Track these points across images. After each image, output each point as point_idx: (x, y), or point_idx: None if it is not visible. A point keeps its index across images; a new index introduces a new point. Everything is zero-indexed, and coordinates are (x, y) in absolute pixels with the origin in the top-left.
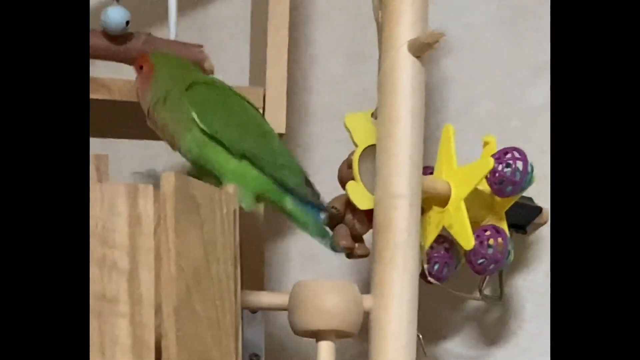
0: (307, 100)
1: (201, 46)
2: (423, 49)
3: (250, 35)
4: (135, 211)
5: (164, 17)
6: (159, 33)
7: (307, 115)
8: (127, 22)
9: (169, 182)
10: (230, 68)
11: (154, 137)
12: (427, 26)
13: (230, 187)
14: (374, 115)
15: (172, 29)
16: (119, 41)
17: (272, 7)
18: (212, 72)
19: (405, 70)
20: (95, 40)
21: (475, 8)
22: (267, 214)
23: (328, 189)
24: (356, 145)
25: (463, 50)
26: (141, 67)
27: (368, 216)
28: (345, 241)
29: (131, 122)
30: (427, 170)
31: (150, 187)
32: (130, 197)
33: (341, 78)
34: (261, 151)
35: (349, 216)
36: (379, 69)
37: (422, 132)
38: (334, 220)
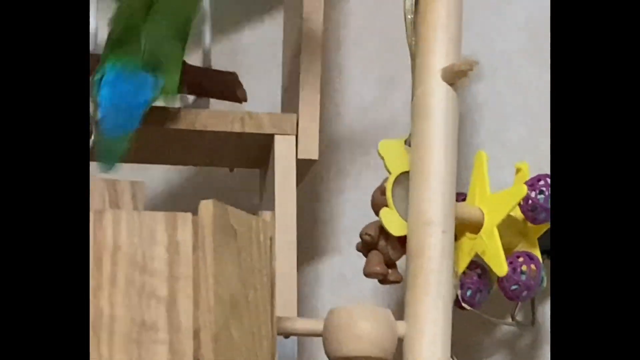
0: (338, 126)
1: (234, 73)
2: (457, 77)
3: (282, 62)
4: (174, 239)
5: (197, 43)
6: (192, 58)
7: (338, 141)
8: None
9: (207, 210)
10: (261, 94)
11: (184, 162)
12: (460, 53)
13: (267, 215)
14: (407, 142)
15: (206, 57)
16: None
17: (306, 33)
18: (245, 99)
19: (438, 97)
20: None
21: (507, 35)
22: (299, 237)
23: (360, 215)
24: (389, 172)
25: (495, 77)
26: None
27: (401, 242)
28: (378, 267)
29: (164, 148)
30: (460, 196)
31: (189, 215)
32: (169, 225)
33: (372, 104)
34: None
35: (382, 242)
36: (413, 96)
37: (456, 159)
38: (368, 247)
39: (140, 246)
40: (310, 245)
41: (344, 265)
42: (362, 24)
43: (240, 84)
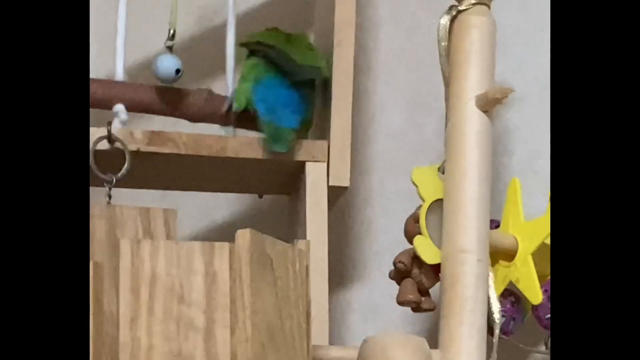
0: (368, 152)
1: None
2: (491, 104)
3: None
4: (211, 269)
5: (218, 69)
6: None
7: (368, 167)
8: (178, 71)
9: (244, 239)
10: None
11: (214, 189)
12: (494, 80)
13: (302, 243)
14: (440, 169)
15: (230, 85)
16: (181, 98)
17: (337, 59)
18: None
19: (472, 124)
20: (158, 96)
21: (539, 61)
22: (329, 264)
23: (390, 241)
24: (423, 200)
25: (527, 104)
26: None
27: (434, 270)
28: (412, 295)
29: (194, 175)
30: (493, 224)
31: (226, 245)
32: (206, 255)
33: (402, 130)
34: None
35: (415, 270)
36: (446, 123)
37: (490, 186)
38: (401, 275)
39: (177, 276)
40: (341, 272)
41: (374, 292)
42: (393, 50)
43: None
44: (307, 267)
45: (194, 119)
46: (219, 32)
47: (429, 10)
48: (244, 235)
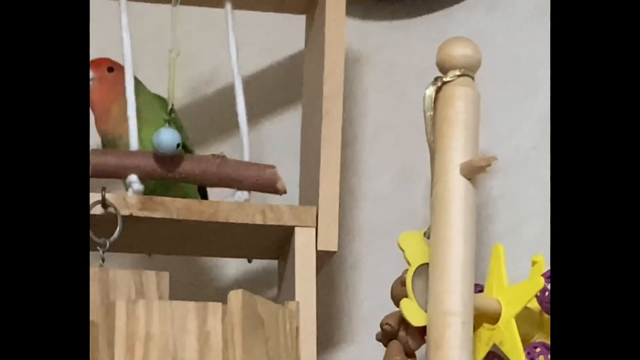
0: (355, 218)
1: (273, 167)
2: (475, 172)
3: (300, 154)
4: (204, 329)
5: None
6: (230, 152)
7: (355, 232)
8: (178, 145)
9: (236, 300)
10: None
11: (205, 253)
12: (478, 149)
13: (292, 304)
14: (426, 234)
15: (246, 150)
16: (194, 164)
17: (325, 128)
18: (284, 192)
19: (457, 191)
20: (171, 164)
21: (523, 130)
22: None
23: (376, 305)
24: (409, 264)
25: (511, 171)
26: (111, 70)
27: (421, 333)
28: (398, 357)
29: (186, 239)
30: (477, 287)
31: (219, 305)
32: (199, 315)
33: (389, 196)
34: None
35: (402, 333)
36: (432, 190)
37: (474, 251)
38: (388, 336)
39: (171, 335)
40: (329, 334)
41: (361, 354)
42: (379, 119)
43: (279, 177)
44: (297, 328)
45: (208, 184)
46: (212, 100)
47: (414, 80)
48: (236, 296)
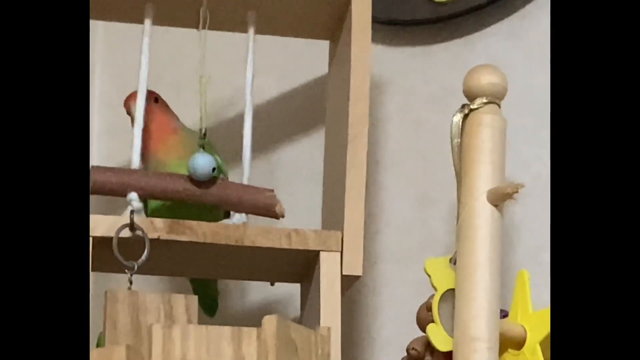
0: (376, 243)
1: (272, 190)
2: (502, 199)
3: (323, 179)
4: (239, 353)
5: (237, 159)
6: (232, 175)
7: (376, 257)
8: (214, 169)
9: (270, 325)
10: (298, 210)
11: (229, 276)
12: (504, 176)
13: (324, 329)
14: (452, 260)
15: (246, 173)
16: (194, 184)
17: (351, 153)
18: (282, 216)
19: (484, 218)
20: (171, 183)
21: (542, 157)
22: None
23: (397, 330)
24: (435, 289)
25: (532, 198)
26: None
27: (446, 358)
28: None
29: (212, 262)
30: (501, 313)
31: (254, 330)
32: (234, 339)
33: (409, 221)
34: None
35: (428, 357)
36: (458, 217)
37: (500, 277)
38: None
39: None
40: (349, 358)
41: None
42: (400, 145)
43: (278, 201)
44: (328, 354)
45: (207, 205)
46: (232, 125)
47: (435, 106)
48: (270, 321)
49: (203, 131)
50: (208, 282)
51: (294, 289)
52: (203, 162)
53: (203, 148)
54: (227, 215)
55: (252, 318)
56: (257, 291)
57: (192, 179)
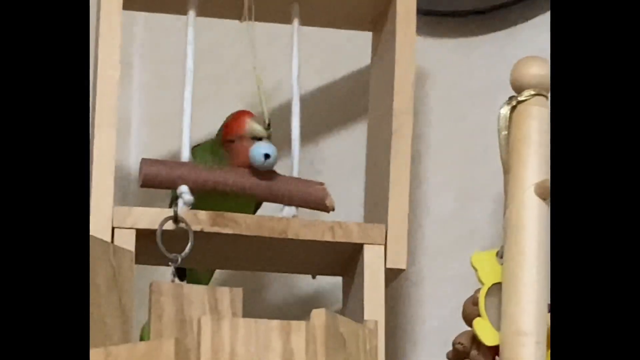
0: (418, 236)
1: (323, 184)
2: (550, 191)
3: (365, 171)
4: (288, 347)
5: (285, 153)
6: (280, 167)
7: (418, 250)
8: (267, 156)
9: (319, 318)
10: (340, 203)
11: (271, 269)
12: None
13: (371, 323)
14: (498, 253)
15: (296, 166)
16: (243, 177)
17: (395, 144)
18: (333, 209)
19: (531, 211)
20: (223, 177)
21: None
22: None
23: (439, 324)
24: (482, 283)
25: None
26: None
27: (493, 352)
28: None
29: (255, 255)
30: (549, 307)
31: (303, 324)
32: (283, 333)
33: (451, 214)
34: None
35: (474, 352)
36: (505, 210)
37: (548, 271)
38: (460, 356)
39: (256, 354)
40: (391, 352)
41: None
42: (442, 137)
43: (328, 194)
44: (376, 347)
45: (257, 198)
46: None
47: (477, 98)
48: (319, 315)
49: (267, 122)
50: (202, 275)
51: (334, 281)
52: (258, 150)
53: (269, 138)
54: (257, 209)
55: (293, 311)
56: (298, 284)
57: (241, 172)
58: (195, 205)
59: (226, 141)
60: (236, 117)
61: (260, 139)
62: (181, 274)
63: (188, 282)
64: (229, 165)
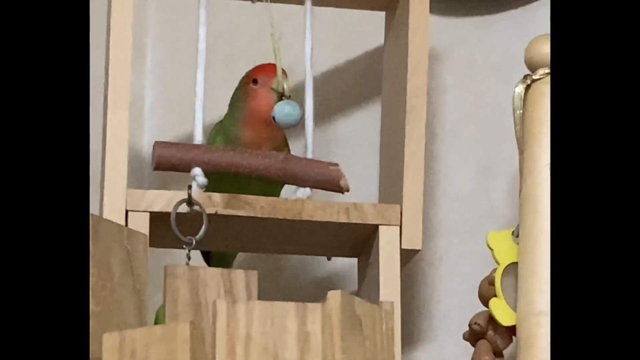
0: (434, 215)
1: (337, 164)
2: None
3: (380, 151)
4: (304, 329)
5: (299, 133)
6: (294, 148)
7: (434, 230)
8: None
9: (335, 300)
10: (354, 183)
11: (287, 251)
12: None
13: (388, 304)
14: (514, 233)
15: (310, 147)
16: (258, 159)
17: (409, 124)
18: (347, 190)
19: (547, 189)
20: (235, 158)
21: None
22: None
23: (455, 303)
24: (498, 263)
25: None
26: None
27: (509, 332)
28: (487, 356)
29: (270, 237)
30: None
31: (319, 306)
32: (299, 315)
33: (468, 193)
34: None
35: (490, 332)
36: (520, 188)
37: None
38: (476, 336)
39: (272, 336)
40: (408, 333)
41: (441, 352)
42: (459, 116)
43: (342, 175)
44: (392, 328)
45: (271, 180)
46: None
47: (494, 76)
48: (335, 296)
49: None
50: (226, 256)
51: (349, 263)
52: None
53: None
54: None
55: (308, 293)
56: (313, 266)
57: (257, 154)
58: (219, 188)
59: (250, 81)
60: (269, 65)
61: (281, 97)
62: (206, 256)
63: (214, 263)
64: (245, 110)
